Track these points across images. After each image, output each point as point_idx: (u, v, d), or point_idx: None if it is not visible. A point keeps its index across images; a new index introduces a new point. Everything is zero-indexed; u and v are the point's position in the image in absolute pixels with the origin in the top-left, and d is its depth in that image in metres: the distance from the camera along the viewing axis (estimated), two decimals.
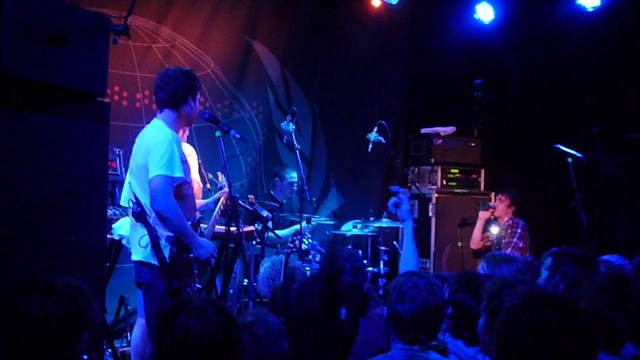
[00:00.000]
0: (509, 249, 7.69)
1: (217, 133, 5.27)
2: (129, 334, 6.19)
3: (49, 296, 2.62)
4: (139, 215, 4.55)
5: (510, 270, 4.32)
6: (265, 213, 6.54)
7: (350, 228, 8.17)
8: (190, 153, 6.29)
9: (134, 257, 4.73)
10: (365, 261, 7.89)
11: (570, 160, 6.81)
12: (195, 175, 6.27)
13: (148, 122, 4.93)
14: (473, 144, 9.27)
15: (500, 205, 8.10)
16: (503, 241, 7.88)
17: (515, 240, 7.79)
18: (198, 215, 4.97)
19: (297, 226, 6.88)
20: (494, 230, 8.06)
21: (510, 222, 7.95)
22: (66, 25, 3.50)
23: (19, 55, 3.23)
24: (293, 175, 8.03)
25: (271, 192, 8.16)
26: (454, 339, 3.45)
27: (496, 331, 2.24)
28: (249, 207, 6.46)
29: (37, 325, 2.58)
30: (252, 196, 6.86)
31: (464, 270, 3.91)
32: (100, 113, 3.88)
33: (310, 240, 6.81)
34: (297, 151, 6.79)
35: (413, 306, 3.18)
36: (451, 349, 3.43)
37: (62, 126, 3.59)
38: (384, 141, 7.64)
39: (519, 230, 7.85)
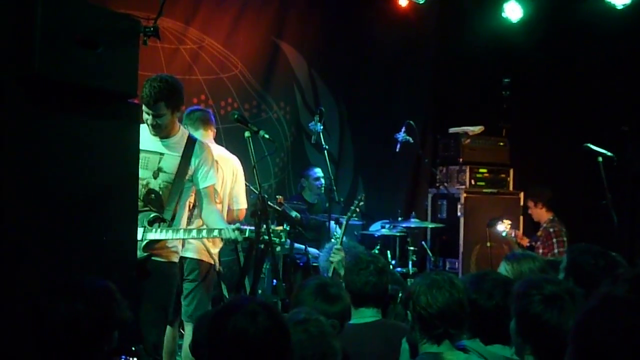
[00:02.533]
0: (548, 254, 7.68)
1: (247, 133, 5.24)
2: None
3: (77, 298, 2.66)
4: None
5: (532, 268, 4.30)
6: (294, 214, 6.55)
7: (378, 228, 8.17)
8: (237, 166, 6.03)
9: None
10: (393, 261, 7.89)
11: (600, 159, 6.74)
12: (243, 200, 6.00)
13: None
14: (502, 144, 9.22)
15: (535, 210, 8.09)
16: (541, 244, 7.87)
17: (555, 251, 7.76)
18: None
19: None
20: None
21: (551, 230, 7.90)
22: (97, 27, 3.52)
23: (50, 58, 3.24)
24: (316, 170, 8.07)
25: (302, 194, 8.18)
26: (471, 340, 3.47)
27: (574, 336, 2.15)
28: (277, 208, 6.47)
29: (66, 326, 2.63)
30: (281, 197, 6.86)
31: (480, 271, 3.93)
32: (130, 114, 3.89)
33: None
34: (325, 151, 6.77)
35: (439, 301, 3.22)
36: (473, 348, 3.44)
37: (93, 127, 3.59)
38: (412, 141, 7.65)
39: (554, 240, 7.81)
